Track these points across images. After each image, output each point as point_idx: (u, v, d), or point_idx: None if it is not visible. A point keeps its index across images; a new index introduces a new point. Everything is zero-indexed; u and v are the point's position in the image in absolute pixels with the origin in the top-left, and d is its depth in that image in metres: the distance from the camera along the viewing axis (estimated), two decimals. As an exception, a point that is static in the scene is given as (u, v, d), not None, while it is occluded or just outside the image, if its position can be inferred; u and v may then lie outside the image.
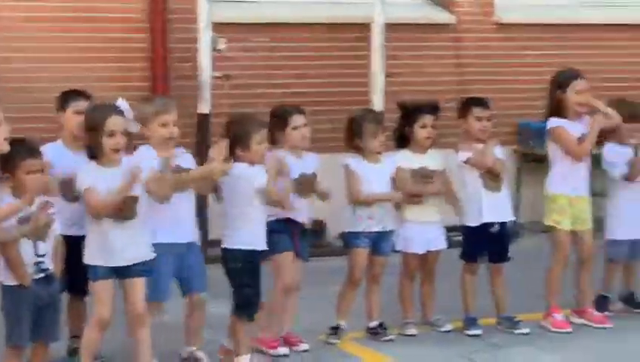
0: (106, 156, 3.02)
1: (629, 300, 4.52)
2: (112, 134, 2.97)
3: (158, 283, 3.20)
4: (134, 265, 3.00)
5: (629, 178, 4.20)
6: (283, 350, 3.74)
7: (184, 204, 3.30)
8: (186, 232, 3.32)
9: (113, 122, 2.98)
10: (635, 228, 4.25)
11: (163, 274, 3.22)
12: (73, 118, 3.32)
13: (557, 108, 4.06)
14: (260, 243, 3.31)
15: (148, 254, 3.06)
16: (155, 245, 3.15)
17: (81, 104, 3.34)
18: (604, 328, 4.10)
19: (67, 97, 3.46)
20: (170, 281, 3.27)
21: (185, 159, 3.48)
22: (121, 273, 3.05)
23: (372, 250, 3.99)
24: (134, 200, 3.07)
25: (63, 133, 3.46)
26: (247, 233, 3.30)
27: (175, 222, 3.29)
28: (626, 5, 7.52)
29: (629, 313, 4.39)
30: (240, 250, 3.30)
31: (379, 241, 3.99)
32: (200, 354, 3.43)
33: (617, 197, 4.28)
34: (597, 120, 3.96)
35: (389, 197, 3.94)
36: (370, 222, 3.89)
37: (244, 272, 3.32)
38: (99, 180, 2.98)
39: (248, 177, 3.33)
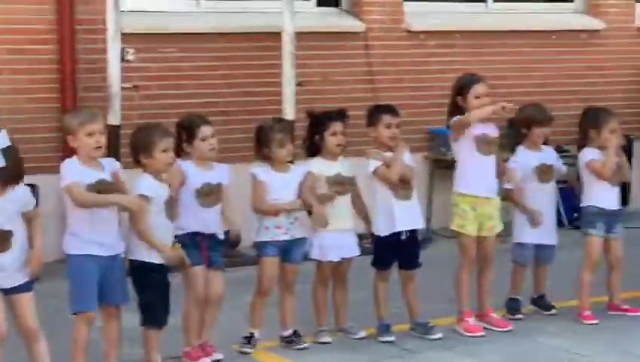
0: None
1: (539, 303, 4.64)
2: None
3: (86, 293, 3.27)
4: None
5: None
6: (205, 361, 3.75)
7: (111, 215, 3.37)
8: (112, 244, 3.38)
9: None
10: (541, 232, 4.36)
11: (90, 283, 3.27)
12: None
13: (457, 114, 4.14)
14: None
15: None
16: (82, 256, 3.24)
17: None
18: (510, 331, 4.17)
19: None
20: (95, 291, 3.29)
21: (112, 166, 3.53)
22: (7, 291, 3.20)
23: (283, 259, 3.98)
24: (5, 234, 3.16)
25: None
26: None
27: (101, 234, 3.34)
28: (532, 12, 7.88)
29: (540, 315, 4.49)
30: (144, 262, 3.40)
31: (289, 250, 4.00)
32: None
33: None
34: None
35: (292, 206, 3.93)
36: (278, 230, 3.90)
37: (149, 284, 3.42)
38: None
39: (154, 193, 3.45)
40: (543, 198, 4.49)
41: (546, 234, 4.50)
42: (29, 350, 3.25)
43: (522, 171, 4.23)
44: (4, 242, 3.13)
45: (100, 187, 3.41)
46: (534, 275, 4.56)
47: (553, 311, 4.56)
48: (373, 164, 4.03)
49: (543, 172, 4.38)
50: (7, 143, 3.28)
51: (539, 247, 4.38)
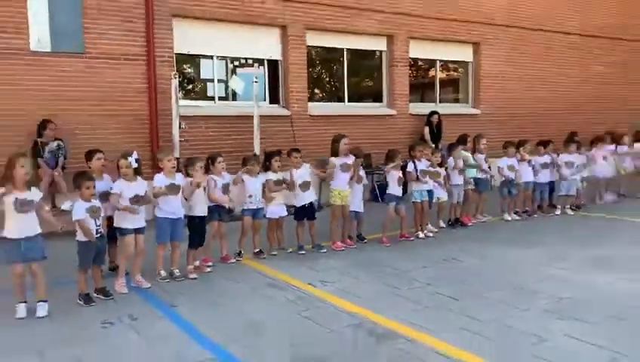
0: None
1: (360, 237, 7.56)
2: None
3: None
4: None
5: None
6: (232, 260, 6.70)
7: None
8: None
9: None
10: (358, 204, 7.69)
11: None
12: None
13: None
14: None
15: None
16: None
17: None
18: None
19: None
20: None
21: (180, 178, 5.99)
22: None
23: (253, 217, 6.77)
24: None
25: None
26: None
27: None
28: (363, 107, 12.19)
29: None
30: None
31: (255, 213, 6.79)
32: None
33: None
34: None
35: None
36: (250, 205, 6.83)
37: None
38: None
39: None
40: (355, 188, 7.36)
41: (357, 203, 7.40)
42: None
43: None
44: None
45: (173, 187, 5.78)
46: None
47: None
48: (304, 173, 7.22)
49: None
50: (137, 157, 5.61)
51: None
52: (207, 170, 6.38)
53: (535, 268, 6.35)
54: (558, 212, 9.85)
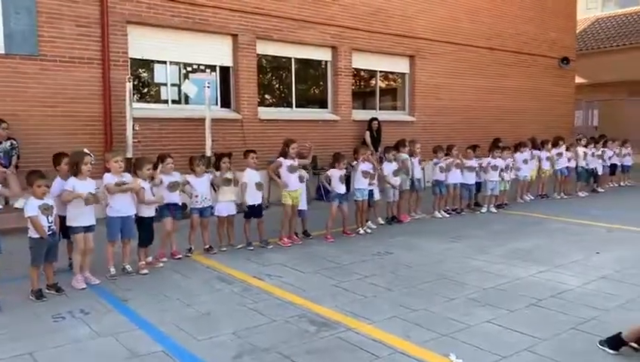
0: None
1: (306, 233, 7.83)
2: None
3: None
4: None
5: None
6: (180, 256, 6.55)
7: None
8: None
9: None
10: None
11: None
12: None
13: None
14: None
15: None
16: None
17: None
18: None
19: None
20: None
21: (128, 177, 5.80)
22: None
23: (200, 215, 6.70)
24: None
25: None
26: None
27: None
28: (309, 112, 12.28)
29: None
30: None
31: (203, 211, 6.70)
32: None
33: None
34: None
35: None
36: (197, 203, 6.81)
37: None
38: None
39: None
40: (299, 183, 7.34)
41: (302, 201, 7.46)
42: None
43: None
44: None
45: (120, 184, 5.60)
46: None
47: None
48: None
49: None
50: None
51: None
52: (155, 169, 6.29)
53: (461, 260, 6.55)
54: (483, 210, 10.17)
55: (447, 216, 9.68)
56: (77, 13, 9.05)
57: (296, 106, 12.18)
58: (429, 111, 14.32)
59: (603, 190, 13.10)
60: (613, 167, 13.85)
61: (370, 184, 8.32)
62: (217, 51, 10.79)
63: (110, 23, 9.27)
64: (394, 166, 8.90)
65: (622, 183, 14.24)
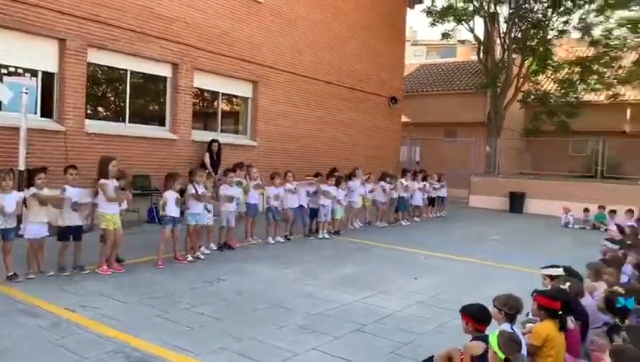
0: None
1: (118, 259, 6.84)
2: None
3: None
4: None
5: None
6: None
7: None
8: None
9: None
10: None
11: None
12: None
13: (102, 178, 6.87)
14: None
15: None
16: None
17: None
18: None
19: None
20: None
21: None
22: None
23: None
24: None
25: None
26: None
27: None
28: (140, 128, 11.62)
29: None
30: None
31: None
32: None
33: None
34: None
35: None
36: None
37: None
38: None
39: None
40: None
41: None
42: None
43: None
44: None
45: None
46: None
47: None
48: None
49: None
50: None
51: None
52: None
53: (292, 285, 6.57)
54: (320, 236, 10.43)
55: (282, 241, 9.73)
56: None
57: (131, 122, 11.42)
58: (270, 137, 14.48)
59: (420, 219, 14.31)
60: (431, 199, 15.24)
61: (205, 208, 8.02)
62: (40, 55, 9.70)
63: None
64: (233, 190, 8.71)
65: (438, 214, 15.73)
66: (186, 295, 5.91)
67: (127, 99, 11.34)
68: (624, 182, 17.50)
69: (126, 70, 11.26)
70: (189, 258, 7.73)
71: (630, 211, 13.07)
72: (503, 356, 3.39)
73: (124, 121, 11.36)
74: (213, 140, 12.36)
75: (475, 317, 3.70)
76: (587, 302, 4.74)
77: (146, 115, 12.26)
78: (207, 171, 9.43)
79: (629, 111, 23.99)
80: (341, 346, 4.53)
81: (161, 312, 5.24)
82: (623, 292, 4.47)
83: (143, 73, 11.73)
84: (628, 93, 22.79)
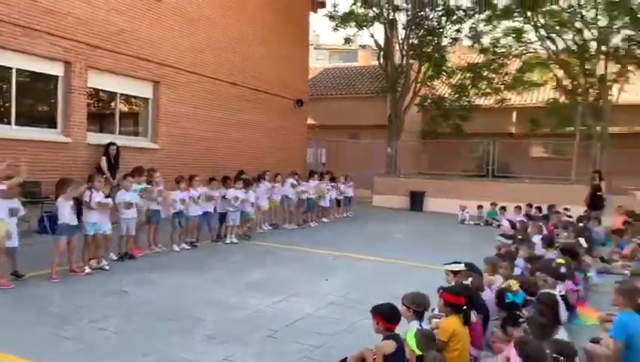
0: None
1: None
2: None
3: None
4: None
5: None
6: None
7: None
8: None
9: None
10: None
11: None
12: None
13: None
14: None
15: None
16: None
17: None
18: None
19: None
20: None
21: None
22: None
23: None
24: None
25: None
26: None
27: None
28: (39, 131, 10.81)
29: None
30: None
31: None
32: None
33: None
34: None
35: None
36: None
37: None
38: None
39: None
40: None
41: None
42: None
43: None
44: None
45: None
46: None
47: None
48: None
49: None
50: None
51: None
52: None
53: (199, 294, 6.38)
54: (227, 241, 10.21)
55: (187, 248, 9.42)
56: None
57: (17, 124, 10.50)
58: (173, 140, 13.97)
59: (328, 220, 14.52)
60: (338, 200, 15.51)
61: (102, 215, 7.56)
62: None
63: None
64: (129, 196, 8.28)
65: (345, 214, 16.04)
66: (85, 310, 5.53)
67: (12, 99, 10.41)
68: (512, 181, 18.92)
69: (11, 68, 10.34)
70: (87, 269, 7.24)
71: (518, 207, 14.19)
72: (419, 352, 3.50)
73: (9, 123, 10.42)
74: (111, 143, 11.68)
75: (386, 316, 3.79)
76: (487, 295, 5.04)
77: (35, 117, 11.31)
78: (104, 176, 8.90)
79: (514, 114, 25.92)
80: (252, 354, 4.46)
81: (59, 330, 4.86)
82: (513, 289, 4.82)
83: (32, 71, 10.83)
84: (513, 98, 24.62)
